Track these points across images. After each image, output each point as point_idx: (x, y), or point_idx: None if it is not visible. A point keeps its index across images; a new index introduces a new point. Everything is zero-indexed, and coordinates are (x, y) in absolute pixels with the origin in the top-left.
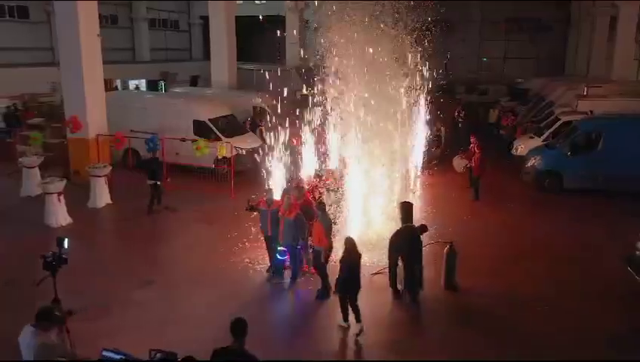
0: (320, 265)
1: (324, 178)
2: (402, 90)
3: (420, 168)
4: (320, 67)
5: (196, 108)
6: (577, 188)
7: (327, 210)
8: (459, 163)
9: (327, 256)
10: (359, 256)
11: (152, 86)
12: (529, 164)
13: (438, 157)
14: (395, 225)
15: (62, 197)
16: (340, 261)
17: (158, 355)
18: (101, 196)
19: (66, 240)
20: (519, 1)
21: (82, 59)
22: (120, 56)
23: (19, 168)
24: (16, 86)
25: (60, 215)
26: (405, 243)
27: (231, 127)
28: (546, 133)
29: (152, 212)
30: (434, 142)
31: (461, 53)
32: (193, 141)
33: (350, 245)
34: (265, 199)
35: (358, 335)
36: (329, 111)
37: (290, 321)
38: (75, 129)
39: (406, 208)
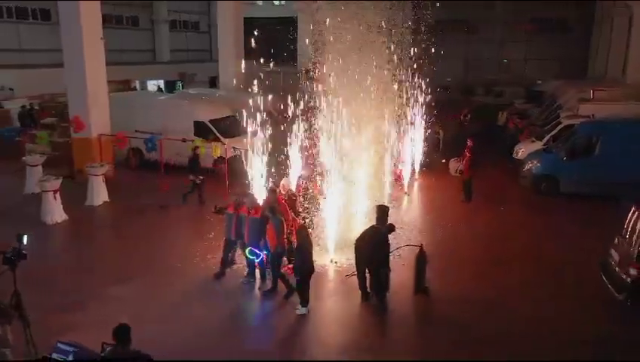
0: (274, 266)
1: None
2: (400, 93)
3: (416, 171)
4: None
5: (197, 109)
6: (574, 193)
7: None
8: (453, 166)
9: (279, 256)
10: (311, 243)
11: (170, 86)
12: (526, 168)
13: (436, 160)
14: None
15: (57, 195)
16: (295, 249)
17: (109, 348)
18: (98, 194)
19: (25, 236)
20: (542, 2)
21: (85, 61)
22: (141, 57)
23: (23, 166)
24: (38, 86)
25: (55, 212)
26: (370, 245)
27: (232, 128)
28: (547, 137)
29: (186, 201)
30: (433, 144)
31: (482, 54)
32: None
33: (304, 233)
34: (233, 203)
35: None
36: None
37: (251, 319)
38: (77, 129)
39: (382, 211)
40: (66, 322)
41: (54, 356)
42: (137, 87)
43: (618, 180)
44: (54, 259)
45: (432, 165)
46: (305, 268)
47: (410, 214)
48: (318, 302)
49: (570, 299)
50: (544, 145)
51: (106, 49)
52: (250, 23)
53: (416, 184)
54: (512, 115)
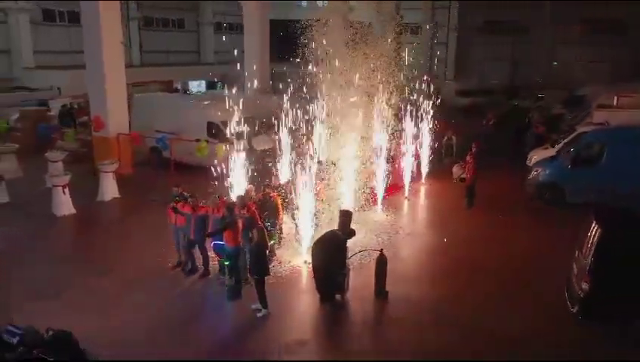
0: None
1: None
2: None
3: (422, 175)
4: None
5: (210, 110)
6: (581, 202)
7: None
8: (455, 171)
9: (231, 256)
10: (267, 245)
11: (211, 87)
12: (531, 176)
13: (445, 166)
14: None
15: (66, 190)
16: (250, 250)
17: (51, 332)
18: (108, 190)
19: None
20: (594, 2)
21: (104, 65)
22: (186, 58)
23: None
24: (83, 86)
25: (63, 206)
26: (326, 249)
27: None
28: (560, 144)
29: None
30: (445, 150)
31: (531, 56)
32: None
33: (260, 234)
34: (190, 204)
35: (259, 312)
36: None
37: (211, 315)
38: (97, 128)
39: (344, 216)
40: (40, 307)
41: (4, 337)
42: (179, 87)
43: (626, 190)
44: (48, 249)
45: (440, 171)
46: (259, 268)
47: (403, 219)
48: (280, 300)
49: (531, 311)
50: (557, 152)
51: (152, 50)
52: (290, 25)
53: (423, 189)
54: (537, 121)
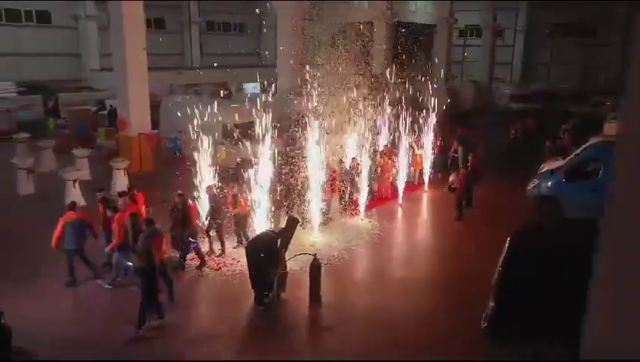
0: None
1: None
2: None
3: (424, 183)
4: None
5: (223, 113)
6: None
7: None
8: (451, 180)
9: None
10: (151, 264)
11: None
12: (528, 188)
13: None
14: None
15: (76, 184)
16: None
17: None
18: (120, 185)
19: None
20: None
21: (127, 67)
22: (246, 60)
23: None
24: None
25: (73, 198)
26: (256, 249)
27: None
28: (571, 156)
29: None
30: (451, 162)
31: (601, 60)
32: None
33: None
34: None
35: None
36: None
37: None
38: (122, 128)
39: (290, 221)
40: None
41: None
42: (232, 89)
43: None
44: (41, 236)
45: (443, 180)
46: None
47: (385, 226)
48: (214, 295)
49: (446, 327)
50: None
51: (213, 53)
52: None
53: (423, 196)
54: (565, 130)
